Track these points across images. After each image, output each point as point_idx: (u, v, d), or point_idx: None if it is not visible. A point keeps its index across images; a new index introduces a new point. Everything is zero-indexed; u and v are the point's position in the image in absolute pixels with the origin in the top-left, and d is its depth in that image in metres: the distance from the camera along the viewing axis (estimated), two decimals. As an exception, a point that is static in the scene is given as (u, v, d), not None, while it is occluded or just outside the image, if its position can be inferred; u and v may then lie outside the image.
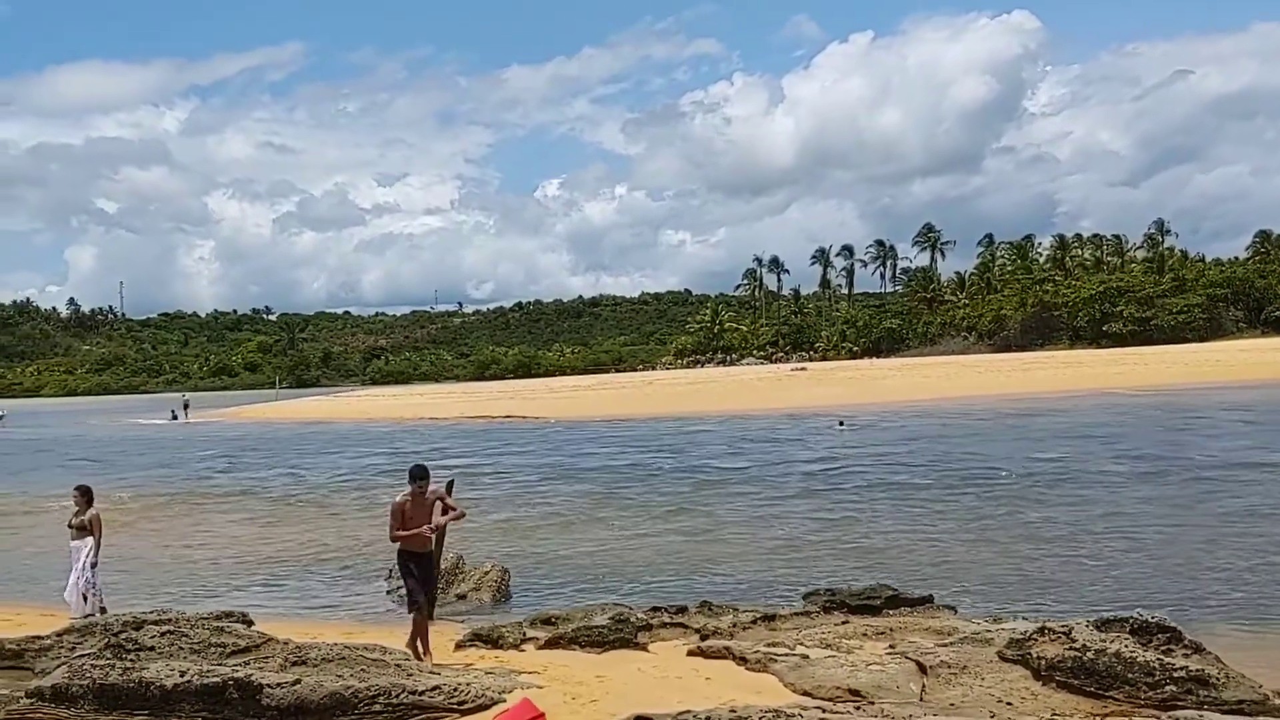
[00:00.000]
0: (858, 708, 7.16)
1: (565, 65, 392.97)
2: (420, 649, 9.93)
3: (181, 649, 8.27)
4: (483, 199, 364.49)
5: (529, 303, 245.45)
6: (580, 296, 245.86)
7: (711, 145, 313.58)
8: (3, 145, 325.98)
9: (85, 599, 12.96)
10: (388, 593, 14.85)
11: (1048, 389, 57.40)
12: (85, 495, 13.53)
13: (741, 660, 9.57)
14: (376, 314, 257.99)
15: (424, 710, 7.92)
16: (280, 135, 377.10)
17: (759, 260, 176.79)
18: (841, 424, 40.52)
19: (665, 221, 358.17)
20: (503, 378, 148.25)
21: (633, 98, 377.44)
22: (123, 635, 8.45)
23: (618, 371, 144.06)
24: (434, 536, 10.34)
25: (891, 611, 11.39)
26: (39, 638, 8.94)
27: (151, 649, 8.22)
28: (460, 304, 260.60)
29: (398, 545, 10.14)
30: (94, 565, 13.17)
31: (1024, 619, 10.63)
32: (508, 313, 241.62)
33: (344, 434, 52.88)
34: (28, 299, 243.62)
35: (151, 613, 9.25)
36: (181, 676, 7.64)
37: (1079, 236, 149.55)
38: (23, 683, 8.17)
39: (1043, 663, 8.30)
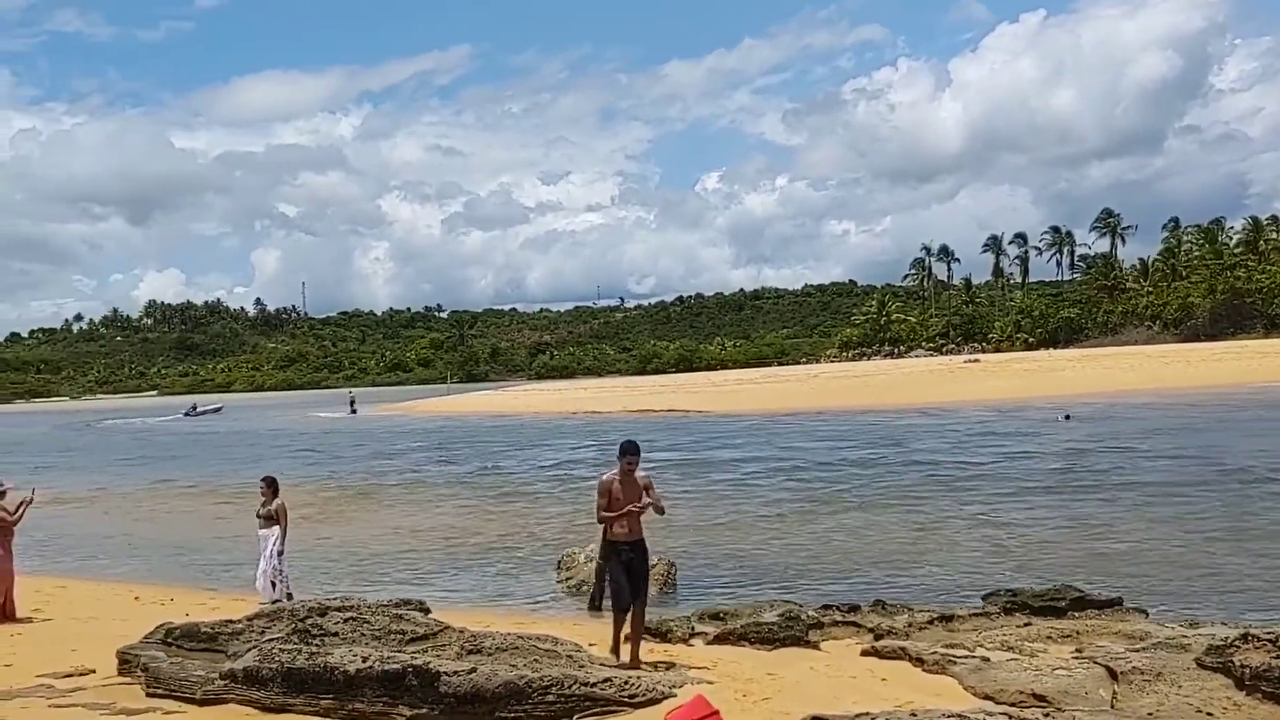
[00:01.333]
0: (1046, 714, 6.82)
1: (725, 58, 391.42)
2: (631, 650, 9.24)
3: (363, 635, 8.51)
4: (643, 194, 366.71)
5: (690, 296, 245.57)
6: (741, 289, 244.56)
7: (876, 132, 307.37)
8: (192, 155, 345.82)
9: (273, 585, 13.57)
10: (558, 582, 15.06)
11: (1251, 380, 53.93)
12: (271, 486, 14.16)
13: (918, 661, 9.28)
14: (541, 310, 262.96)
15: (595, 702, 7.95)
16: (448, 138, 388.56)
17: (927, 249, 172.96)
18: (1067, 417, 38.71)
19: (828, 211, 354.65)
20: (664, 372, 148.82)
21: (794, 88, 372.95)
22: (308, 621, 8.75)
23: (780, 365, 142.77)
24: (640, 516, 9.39)
25: (1077, 614, 10.84)
26: (231, 622, 9.34)
27: (335, 634, 8.49)
28: (622, 299, 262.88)
29: (602, 533, 9.53)
30: (280, 553, 13.77)
31: (1223, 624, 9.97)
32: (669, 307, 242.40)
33: (515, 427, 54.03)
34: (218, 299, 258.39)
35: (335, 599, 9.57)
36: (364, 662, 7.87)
37: (1274, 219, 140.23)
38: (217, 665, 8.56)
39: (1246, 671, 7.75)
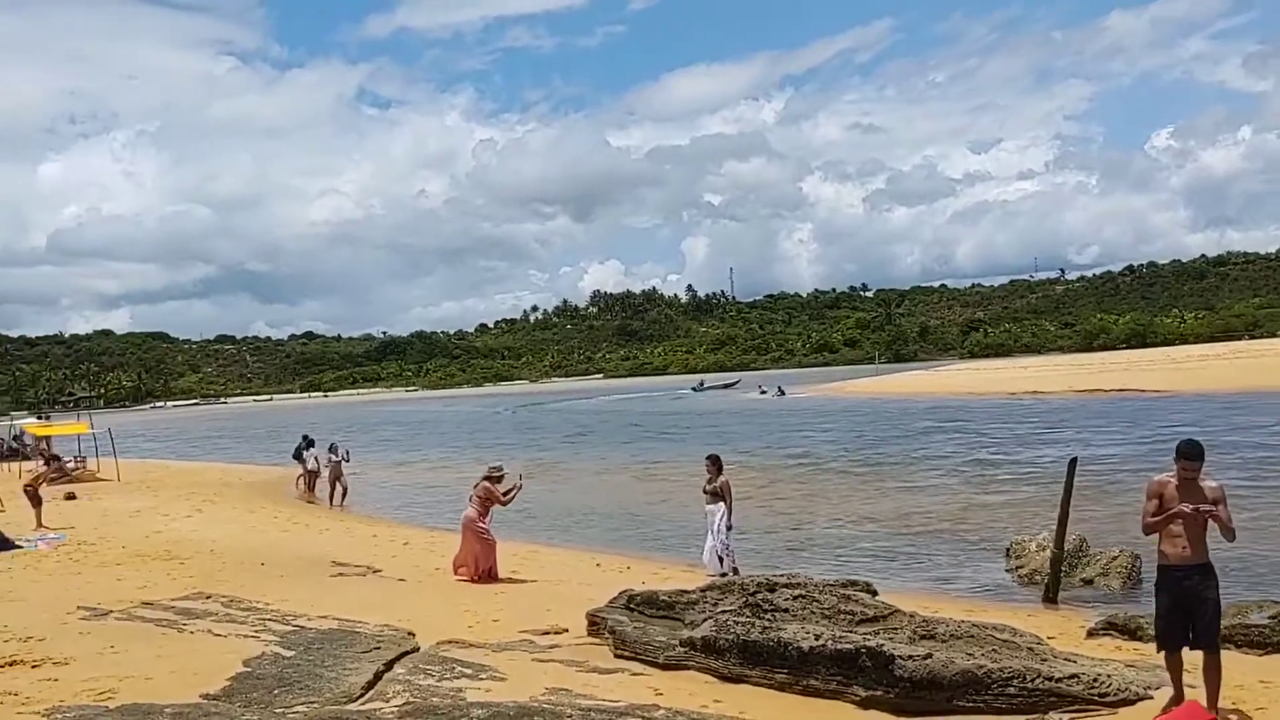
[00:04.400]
0: None
1: (1174, 3, 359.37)
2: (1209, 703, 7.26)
3: (813, 613, 8.54)
4: (1083, 157, 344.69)
5: (1140, 265, 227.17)
6: (1202, 255, 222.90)
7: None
8: (626, 152, 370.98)
9: (721, 559, 14.07)
10: (1007, 571, 14.40)
11: None
12: (715, 464, 14.68)
13: None
14: (973, 285, 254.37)
15: (1060, 698, 7.46)
16: (870, 114, 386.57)
17: None
18: None
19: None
20: (1113, 348, 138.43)
21: (1260, 28, 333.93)
22: (759, 596, 8.92)
23: (1252, 338, 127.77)
24: (1204, 533, 7.26)
25: None
26: (686, 592, 9.75)
27: (785, 611, 8.59)
28: (1062, 271, 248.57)
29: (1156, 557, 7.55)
30: (727, 528, 14.26)
31: None
32: (1116, 277, 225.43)
33: (952, 408, 52.59)
34: (653, 288, 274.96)
35: (782, 576, 9.70)
36: (816, 640, 7.89)
37: None
38: (676, 632, 8.97)
39: None
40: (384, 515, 24.26)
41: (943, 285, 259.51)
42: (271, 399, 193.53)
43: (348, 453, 27.22)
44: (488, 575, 13.91)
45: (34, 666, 8.36)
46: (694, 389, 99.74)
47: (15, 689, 7.62)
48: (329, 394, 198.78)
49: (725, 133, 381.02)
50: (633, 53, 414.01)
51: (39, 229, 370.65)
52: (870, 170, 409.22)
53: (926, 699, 7.48)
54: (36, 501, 19.69)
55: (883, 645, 7.71)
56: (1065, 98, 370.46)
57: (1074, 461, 12.47)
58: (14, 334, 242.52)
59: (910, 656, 7.57)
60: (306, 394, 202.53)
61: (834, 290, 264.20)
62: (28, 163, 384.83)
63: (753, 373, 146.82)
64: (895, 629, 8.31)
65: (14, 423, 52.56)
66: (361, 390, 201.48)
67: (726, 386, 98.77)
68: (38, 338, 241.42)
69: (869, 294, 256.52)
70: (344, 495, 26.27)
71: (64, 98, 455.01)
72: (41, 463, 30.96)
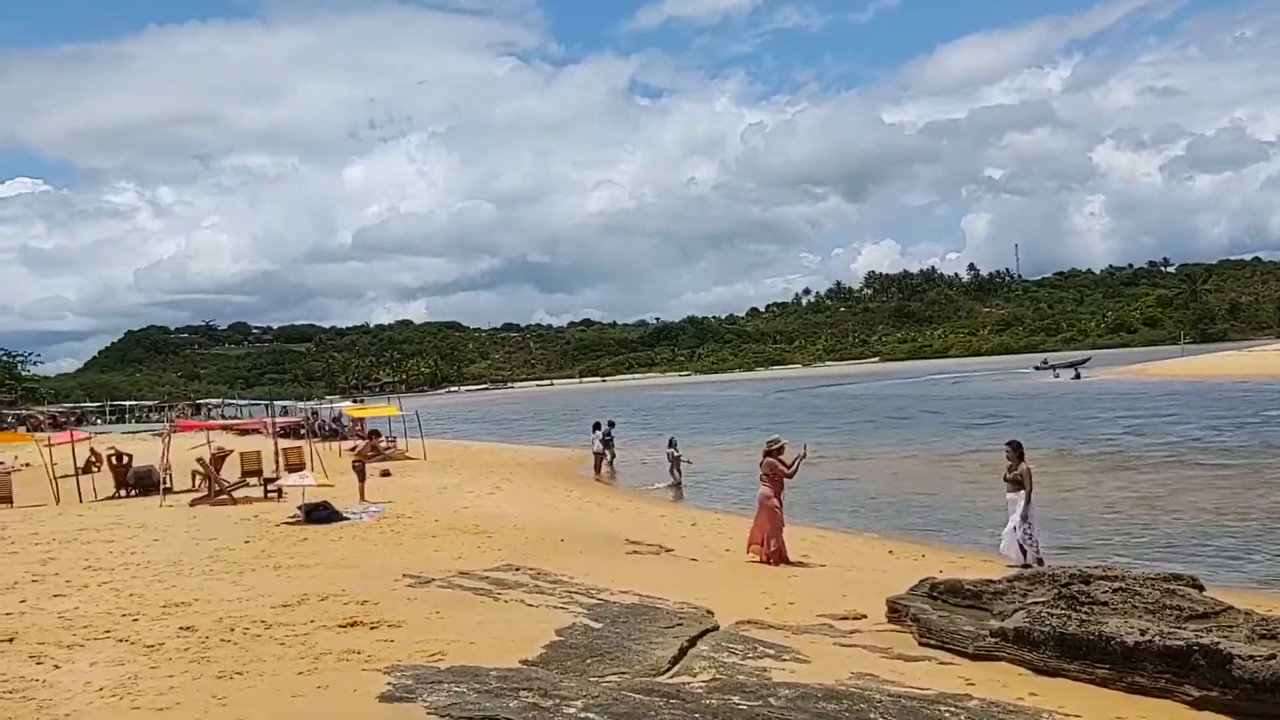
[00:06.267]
0: None
1: None
2: None
3: (1135, 607, 8.05)
4: None
5: None
6: None
7: None
8: (900, 128, 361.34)
9: (1023, 550, 13.50)
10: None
11: None
12: (1016, 451, 14.11)
13: None
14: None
15: None
16: (1167, 76, 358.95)
17: None
18: None
19: None
20: None
21: None
22: (1073, 587, 8.50)
23: None
24: None
25: None
26: (992, 582, 9.41)
27: (1105, 604, 8.14)
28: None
29: None
30: (1027, 517, 13.66)
31: None
32: None
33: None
34: (932, 267, 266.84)
35: (1097, 567, 9.20)
36: (1142, 635, 7.44)
37: None
38: (983, 622, 8.68)
39: None
40: (671, 497, 24.82)
41: (1256, 258, 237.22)
42: (553, 384, 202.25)
43: (682, 454, 27.54)
44: (777, 557, 13.94)
45: (372, 628, 9.09)
46: (1036, 368, 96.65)
47: (358, 648, 8.32)
48: (606, 379, 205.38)
49: (1005, 104, 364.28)
50: (906, 26, 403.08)
51: (345, 228, 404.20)
52: (1168, 136, 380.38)
53: (1270, 703, 6.91)
54: (362, 476, 21.42)
55: (1219, 643, 7.17)
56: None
57: None
58: (326, 325, 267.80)
59: (1251, 656, 7.00)
60: (583, 379, 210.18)
61: (1130, 266, 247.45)
62: (334, 167, 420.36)
63: (1099, 351, 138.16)
64: (1230, 627, 7.71)
65: (333, 406, 57.64)
66: (637, 375, 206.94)
67: (1073, 365, 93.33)
68: (347, 328, 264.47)
69: (1170, 269, 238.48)
70: (673, 484, 26.61)
71: (364, 105, 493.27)
72: (360, 441, 33.69)
